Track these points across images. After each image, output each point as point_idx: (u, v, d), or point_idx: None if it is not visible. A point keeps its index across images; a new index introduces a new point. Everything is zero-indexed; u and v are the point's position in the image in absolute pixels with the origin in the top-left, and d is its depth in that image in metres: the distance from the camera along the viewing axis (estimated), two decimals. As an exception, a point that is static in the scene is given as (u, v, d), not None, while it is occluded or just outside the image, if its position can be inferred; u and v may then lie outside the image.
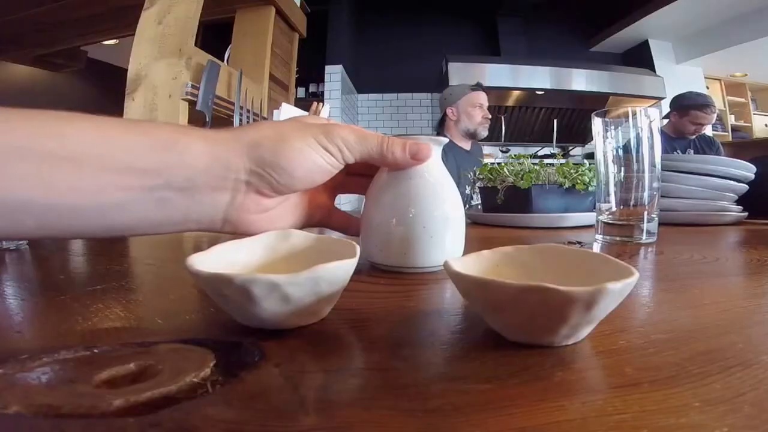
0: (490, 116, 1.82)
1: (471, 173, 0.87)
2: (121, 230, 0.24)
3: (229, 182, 0.25)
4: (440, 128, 1.91)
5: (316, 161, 0.27)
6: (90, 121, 0.22)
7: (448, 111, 1.82)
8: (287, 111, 1.17)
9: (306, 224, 0.34)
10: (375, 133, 0.30)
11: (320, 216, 0.35)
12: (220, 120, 1.50)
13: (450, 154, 1.61)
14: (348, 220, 0.37)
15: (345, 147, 0.28)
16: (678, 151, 1.90)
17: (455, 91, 1.83)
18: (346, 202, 2.90)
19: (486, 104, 1.81)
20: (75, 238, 0.44)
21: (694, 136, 1.96)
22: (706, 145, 1.97)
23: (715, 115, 1.95)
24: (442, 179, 0.33)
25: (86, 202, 0.22)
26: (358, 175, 0.35)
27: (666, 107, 3.06)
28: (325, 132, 0.27)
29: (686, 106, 1.91)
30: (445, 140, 0.33)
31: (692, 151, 1.93)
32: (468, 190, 1.12)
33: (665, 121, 2.04)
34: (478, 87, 1.82)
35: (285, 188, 0.27)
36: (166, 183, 0.23)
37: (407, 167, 0.31)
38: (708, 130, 2.04)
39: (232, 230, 0.28)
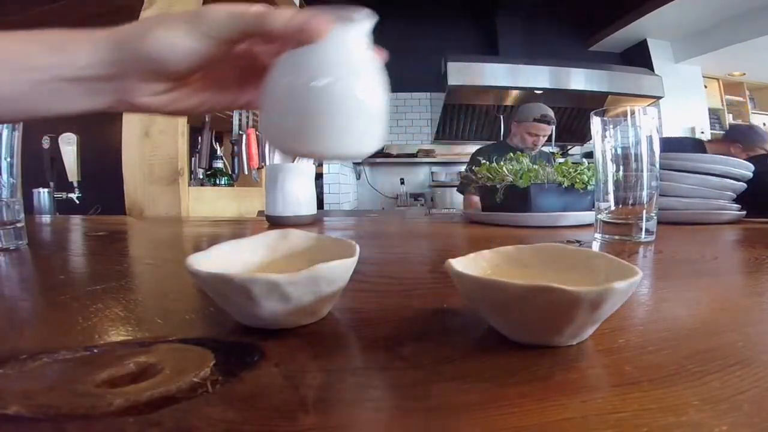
0: (539, 144, 1.84)
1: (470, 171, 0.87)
2: (28, 115, 0.29)
3: (112, 72, 0.28)
4: (508, 132, 2.00)
5: (184, 45, 0.28)
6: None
7: (513, 124, 1.90)
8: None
9: (225, 106, 0.33)
10: (261, 7, 0.28)
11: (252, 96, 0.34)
12: (219, 119, 1.49)
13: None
14: None
15: (216, 26, 0.28)
16: None
17: (524, 113, 1.85)
18: (345, 201, 2.90)
19: (543, 134, 1.83)
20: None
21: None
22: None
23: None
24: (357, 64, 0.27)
25: None
26: None
27: (665, 107, 3.05)
28: (193, 16, 0.28)
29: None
30: (366, 21, 0.27)
31: None
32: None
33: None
34: (542, 120, 1.82)
35: (165, 74, 0.29)
36: (55, 77, 0.27)
37: (297, 43, 0.27)
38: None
39: (133, 111, 0.31)
